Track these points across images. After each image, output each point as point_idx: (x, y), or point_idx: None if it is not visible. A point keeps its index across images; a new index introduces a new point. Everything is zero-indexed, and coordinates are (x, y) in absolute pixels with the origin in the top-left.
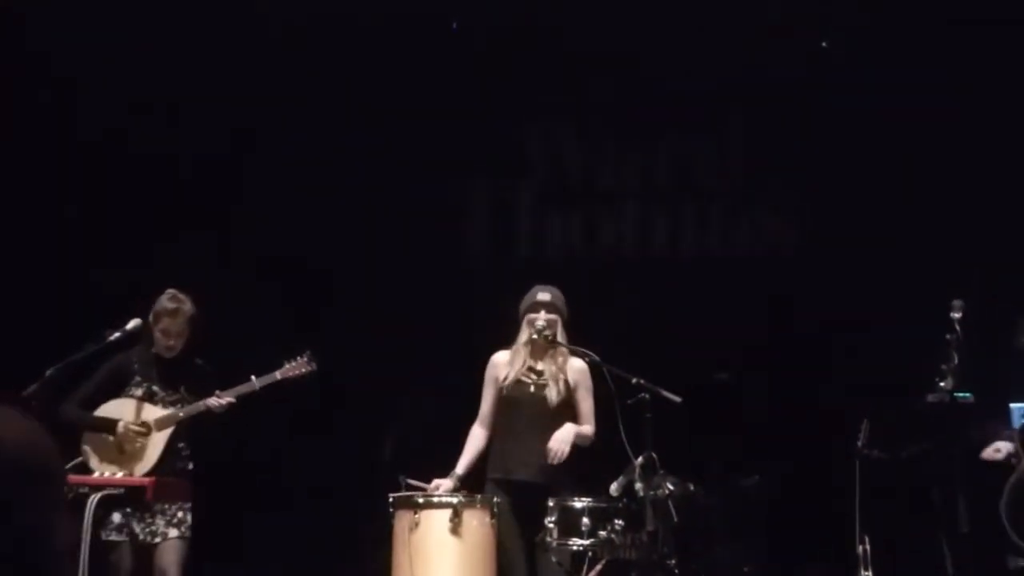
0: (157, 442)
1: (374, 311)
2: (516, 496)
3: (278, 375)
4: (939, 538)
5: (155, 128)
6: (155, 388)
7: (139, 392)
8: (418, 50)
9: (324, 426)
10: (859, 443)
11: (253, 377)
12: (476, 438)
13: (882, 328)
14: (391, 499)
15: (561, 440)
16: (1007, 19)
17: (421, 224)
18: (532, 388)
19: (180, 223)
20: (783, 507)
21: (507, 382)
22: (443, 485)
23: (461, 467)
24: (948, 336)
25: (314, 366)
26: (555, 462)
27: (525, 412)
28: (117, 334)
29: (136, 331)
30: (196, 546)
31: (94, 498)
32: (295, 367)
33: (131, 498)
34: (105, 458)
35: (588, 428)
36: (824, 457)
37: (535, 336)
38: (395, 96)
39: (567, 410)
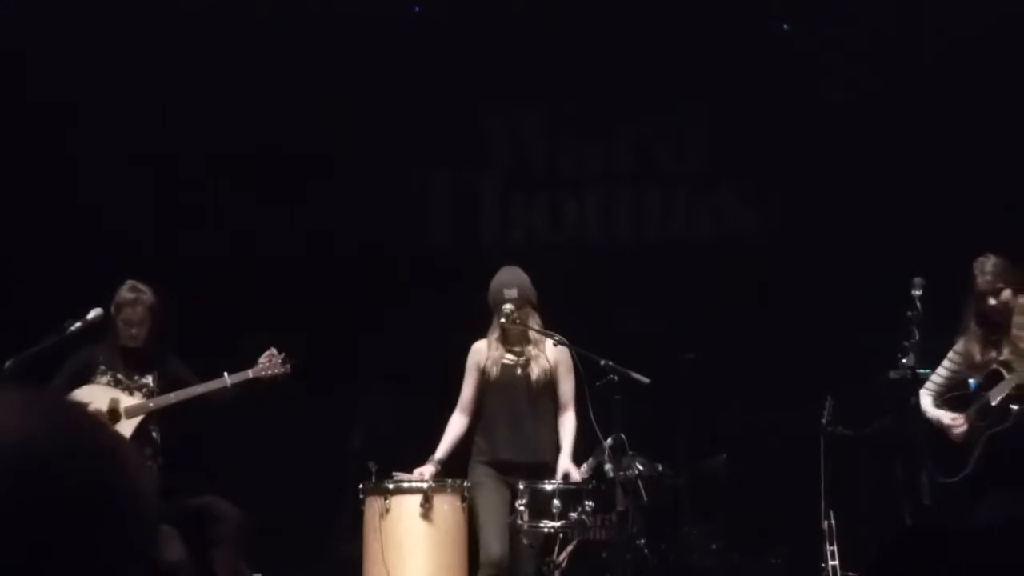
0: (124, 430)
1: (340, 301)
2: (504, 475)
3: (250, 373)
4: (902, 512)
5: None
6: (120, 376)
7: (104, 380)
8: (380, 33)
9: (293, 413)
10: (823, 420)
11: (226, 373)
12: (455, 425)
13: (845, 307)
14: (361, 486)
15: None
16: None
17: (384, 212)
18: (518, 371)
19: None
20: (750, 485)
21: (491, 368)
22: (426, 471)
23: (441, 452)
24: (909, 313)
25: (288, 368)
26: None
27: (512, 395)
28: (78, 324)
29: (97, 320)
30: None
31: None
32: (269, 367)
33: None
34: None
35: (564, 459)
36: (789, 435)
37: (503, 320)
38: (355, 81)
39: (549, 391)
